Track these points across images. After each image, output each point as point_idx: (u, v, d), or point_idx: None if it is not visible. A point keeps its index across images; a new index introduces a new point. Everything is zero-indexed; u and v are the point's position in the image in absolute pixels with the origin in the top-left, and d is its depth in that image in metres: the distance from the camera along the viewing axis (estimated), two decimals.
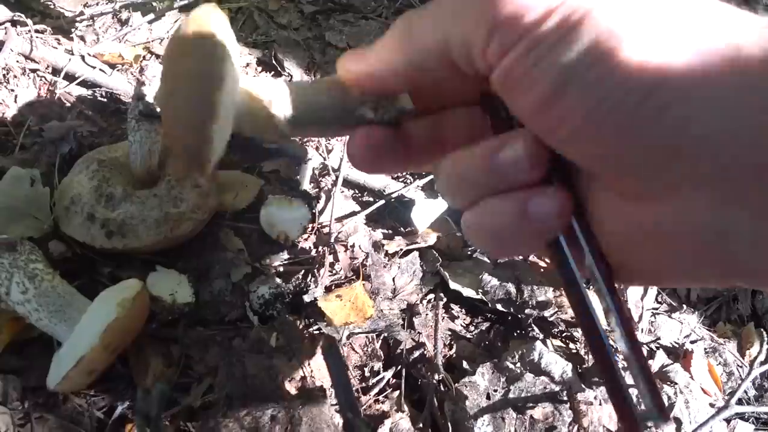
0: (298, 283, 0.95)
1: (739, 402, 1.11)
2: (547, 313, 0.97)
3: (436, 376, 0.89)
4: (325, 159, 1.07)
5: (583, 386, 0.88)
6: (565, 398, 0.86)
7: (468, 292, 0.96)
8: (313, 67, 1.20)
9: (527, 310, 0.96)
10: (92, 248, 0.86)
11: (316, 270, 0.96)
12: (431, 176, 1.09)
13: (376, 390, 0.87)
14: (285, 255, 0.99)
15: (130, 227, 0.85)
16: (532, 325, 0.96)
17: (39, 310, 0.73)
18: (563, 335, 1.00)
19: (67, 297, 0.75)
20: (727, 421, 1.07)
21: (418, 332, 0.94)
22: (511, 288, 0.98)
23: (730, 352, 1.14)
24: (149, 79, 0.86)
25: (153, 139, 0.88)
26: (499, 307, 0.97)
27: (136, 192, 0.88)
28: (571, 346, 0.99)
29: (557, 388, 0.87)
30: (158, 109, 0.87)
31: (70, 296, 0.75)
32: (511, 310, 0.97)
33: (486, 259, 1.02)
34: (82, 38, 1.14)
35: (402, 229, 1.04)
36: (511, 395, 0.86)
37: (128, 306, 0.73)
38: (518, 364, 0.89)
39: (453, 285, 0.96)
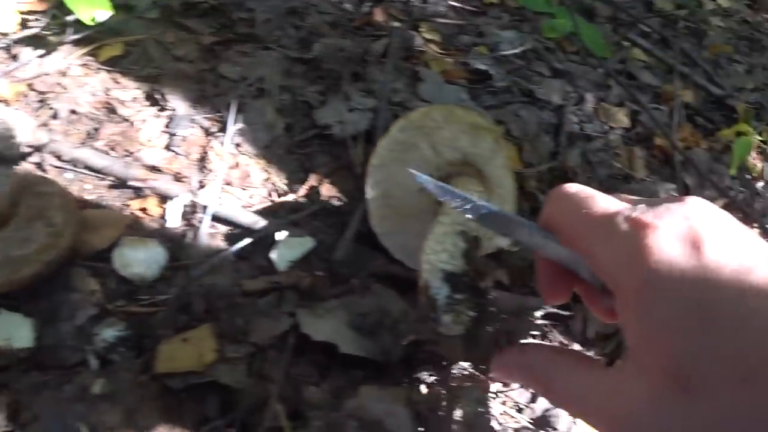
0: (148, 326, 0.93)
1: None
2: None
3: (271, 424, 0.86)
4: (194, 195, 1.06)
5: None
6: None
7: (320, 336, 0.93)
8: (203, 101, 1.19)
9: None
10: None
11: (169, 311, 0.95)
12: (298, 213, 1.08)
13: None
14: (141, 296, 0.97)
15: None
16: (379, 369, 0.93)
17: None
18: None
19: None
20: None
21: (265, 377, 0.92)
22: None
23: None
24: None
25: (2, 182, 0.88)
26: (356, 351, 0.94)
27: None
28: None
29: None
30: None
31: None
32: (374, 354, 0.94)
33: (348, 304, 0.99)
34: None
35: (267, 266, 1.02)
36: None
37: None
38: (353, 418, 0.86)
39: (304, 329, 0.94)
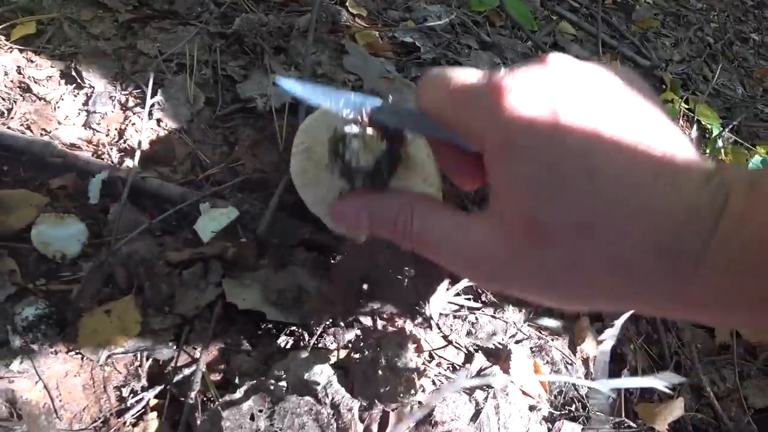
0: (70, 302, 0.92)
1: (569, 402, 1.09)
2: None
3: (201, 396, 0.86)
4: (115, 171, 1.04)
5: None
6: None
7: (246, 305, 0.93)
8: (121, 78, 1.17)
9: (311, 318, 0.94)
10: None
11: (90, 284, 0.93)
12: (222, 186, 1.07)
13: (132, 412, 0.84)
14: (62, 273, 0.95)
15: None
16: (304, 335, 0.93)
17: None
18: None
19: None
20: (551, 421, 1.04)
21: (193, 348, 0.91)
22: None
23: (558, 349, 1.11)
24: None
25: None
26: (282, 318, 0.94)
27: None
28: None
29: (323, 411, 0.83)
30: None
31: None
32: (297, 320, 0.94)
33: (274, 273, 0.99)
34: None
35: (192, 239, 1.01)
36: (276, 417, 0.83)
37: None
38: (282, 382, 0.85)
39: (231, 298, 0.93)
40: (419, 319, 1.01)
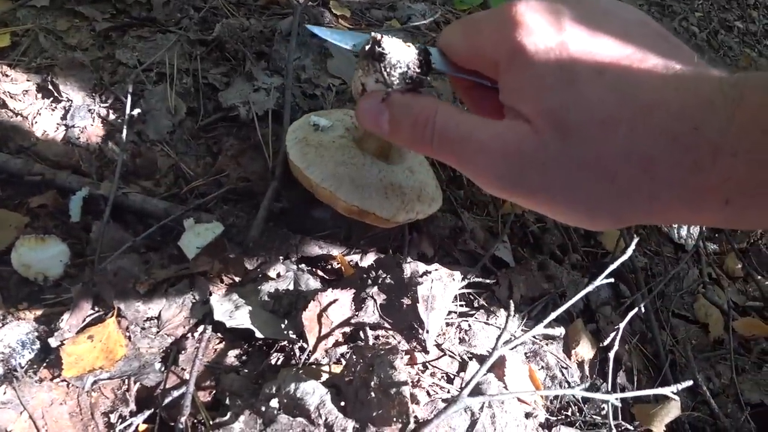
0: (54, 326, 0.89)
1: (565, 407, 1.08)
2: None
3: (192, 419, 0.84)
4: (96, 187, 1.01)
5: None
6: None
7: (235, 323, 0.91)
8: (100, 89, 1.14)
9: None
10: None
11: (74, 307, 0.90)
12: (206, 198, 1.05)
13: None
14: (45, 296, 0.93)
15: None
16: (295, 350, 0.91)
17: None
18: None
19: None
20: (548, 428, 1.03)
21: (182, 369, 0.89)
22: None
23: (553, 353, 1.10)
24: None
25: None
26: (272, 335, 0.92)
27: None
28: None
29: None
30: None
31: None
32: (290, 330, 0.92)
33: (263, 287, 0.97)
34: None
35: (178, 254, 0.99)
36: None
37: None
38: (274, 401, 0.83)
39: (218, 316, 0.91)
40: (414, 343, 0.99)
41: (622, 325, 1.12)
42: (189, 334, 0.92)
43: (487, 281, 1.13)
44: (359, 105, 0.57)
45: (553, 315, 1.02)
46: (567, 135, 0.43)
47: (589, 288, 1.07)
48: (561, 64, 0.44)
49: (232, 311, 0.93)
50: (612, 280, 1.10)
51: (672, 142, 0.40)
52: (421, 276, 1.02)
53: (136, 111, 1.12)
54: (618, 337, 1.11)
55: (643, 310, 1.24)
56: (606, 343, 1.13)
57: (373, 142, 0.99)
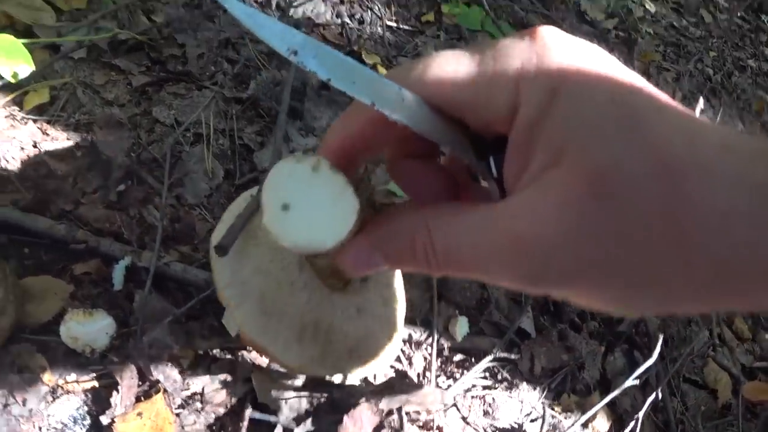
0: (102, 400, 0.95)
1: None
2: None
3: None
4: (137, 255, 1.07)
5: None
6: None
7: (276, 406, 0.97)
8: (138, 149, 1.20)
9: None
10: None
11: (120, 384, 0.96)
12: None
13: None
14: (92, 368, 0.99)
15: None
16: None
17: None
18: None
19: None
20: None
21: None
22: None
23: (572, 429, 1.18)
24: None
25: None
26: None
27: None
28: None
29: None
30: None
31: None
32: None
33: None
34: None
35: (220, 326, 1.05)
36: None
37: None
38: None
39: (261, 398, 0.98)
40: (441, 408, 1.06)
41: (641, 414, 1.20)
42: (232, 412, 0.99)
43: (512, 356, 1.20)
44: (343, 257, 0.48)
45: (572, 397, 1.10)
46: (615, 188, 0.33)
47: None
48: (615, 98, 0.35)
49: (274, 393, 0.99)
50: (626, 346, 1.18)
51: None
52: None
53: (175, 175, 1.17)
54: (638, 426, 1.19)
55: (655, 378, 1.32)
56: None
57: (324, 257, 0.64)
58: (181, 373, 1.00)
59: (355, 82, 0.40)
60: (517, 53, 0.38)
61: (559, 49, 0.38)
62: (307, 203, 0.45)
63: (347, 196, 0.45)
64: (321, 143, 0.47)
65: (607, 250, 0.34)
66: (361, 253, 0.46)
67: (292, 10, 1.56)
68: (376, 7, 1.73)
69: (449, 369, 1.16)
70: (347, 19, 1.65)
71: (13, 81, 1.06)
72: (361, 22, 1.68)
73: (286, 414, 0.98)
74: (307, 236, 0.45)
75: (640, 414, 1.21)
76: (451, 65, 0.40)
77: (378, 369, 0.85)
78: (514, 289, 0.44)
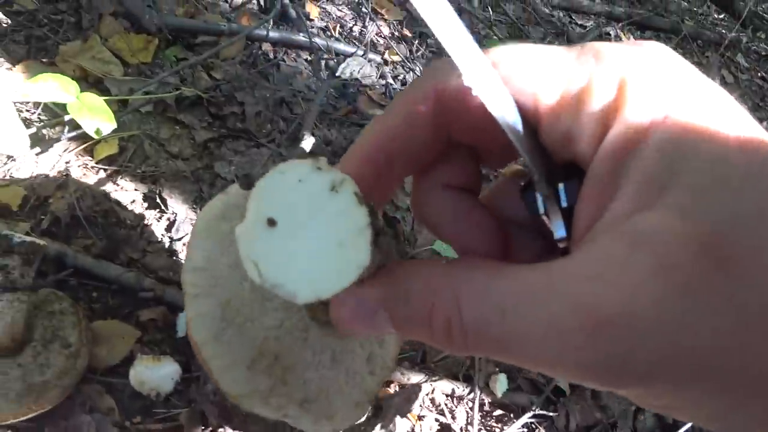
0: None
1: None
2: None
3: None
4: None
5: None
6: None
7: None
8: (200, 202, 1.27)
9: None
10: None
11: (184, 428, 1.03)
12: None
13: None
14: (158, 411, 1.05)
15: None
16: None
17: None
18: None
19: None
20: None
21: None
22: None
23: None
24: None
25: (16, 308, 0.95)
26: None
27: None
28: None
29: None
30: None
31: None
32: None
33: None
34: None
35: None
36: None
37: None
38: None
39: None
40: None
41: None
42: None
43: (549, 413, 1.26)
44: (339, 312, 0.35)
45: None
46: (724, 266, 0.24)
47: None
48: (743, 142, 0.26)
49: None
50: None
51: None
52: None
53: None
54: None
55: None
56: None
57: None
58: (241, 418, 1.06)
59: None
60: (622, 62, 0.29)
61: (673, 68, 0.29)
62: (301, 228, 0.31)
63: (360, 242, 0.31)
64: (344, 156, 0.36)
65: (730, 343, 0.24)
66: (362, 309, 0.34)
67: (339, 70, 1.65)
68: (418, 68, 1.83)
69: (489, 423, 1.22)
70: (390, 80, 1.74)
71: (96, 137, 1.14)
72: (404, 83, 1.77)
73: None
74: (283, 273, 0.31)
75: None
76: (542, 58, 0.31)
77: (339, 428, 0.71)
78: (572, 381, 0.34)
